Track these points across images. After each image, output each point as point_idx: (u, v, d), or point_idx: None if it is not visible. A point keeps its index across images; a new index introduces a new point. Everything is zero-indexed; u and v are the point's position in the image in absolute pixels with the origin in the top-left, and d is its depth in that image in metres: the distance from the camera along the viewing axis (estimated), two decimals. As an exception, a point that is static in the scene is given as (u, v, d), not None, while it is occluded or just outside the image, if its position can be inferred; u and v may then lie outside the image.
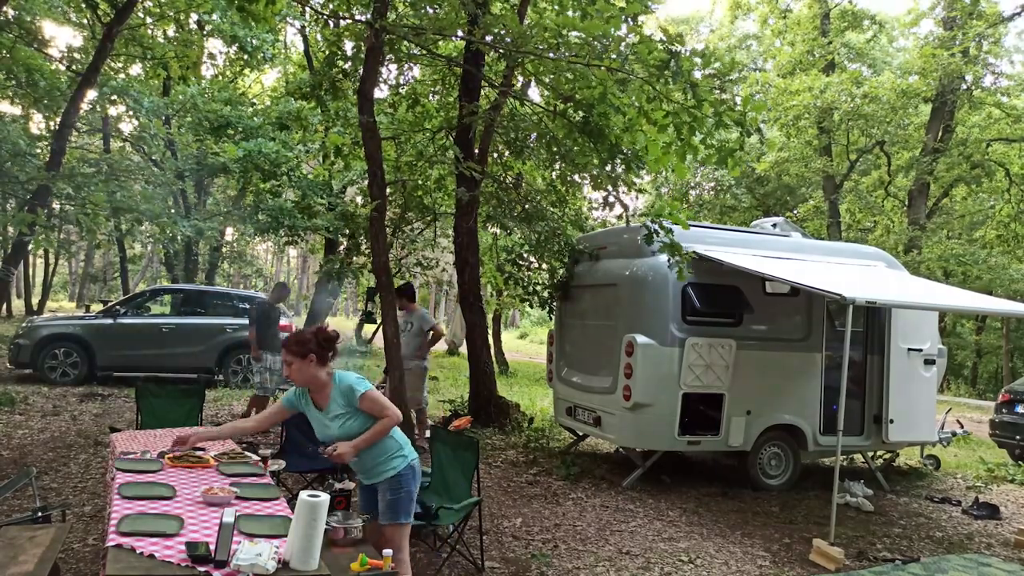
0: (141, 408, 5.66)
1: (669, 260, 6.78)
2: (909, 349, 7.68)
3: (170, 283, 21.07)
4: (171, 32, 17.92)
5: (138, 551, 2.66)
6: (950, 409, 11.22)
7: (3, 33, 13.59)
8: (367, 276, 12.17)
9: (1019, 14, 20.17)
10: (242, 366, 11.47)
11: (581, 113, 7.03)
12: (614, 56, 6.50)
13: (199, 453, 4.14)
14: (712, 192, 26.72)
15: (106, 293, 30.21)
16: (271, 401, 8.18)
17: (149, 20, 16.49)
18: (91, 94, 15.85)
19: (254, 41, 19.83)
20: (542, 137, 8.62)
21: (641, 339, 6.74)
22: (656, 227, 6.88)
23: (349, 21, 7.90)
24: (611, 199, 8.13)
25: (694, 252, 6.87)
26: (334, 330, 3.55)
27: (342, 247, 19.40)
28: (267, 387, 8.43)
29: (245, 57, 20.95)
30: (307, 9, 11.33)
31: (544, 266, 9.78)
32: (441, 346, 23.52)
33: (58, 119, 14.37)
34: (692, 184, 26.86)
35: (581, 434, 8.40)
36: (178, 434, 3.83)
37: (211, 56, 21.62)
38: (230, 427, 3.96)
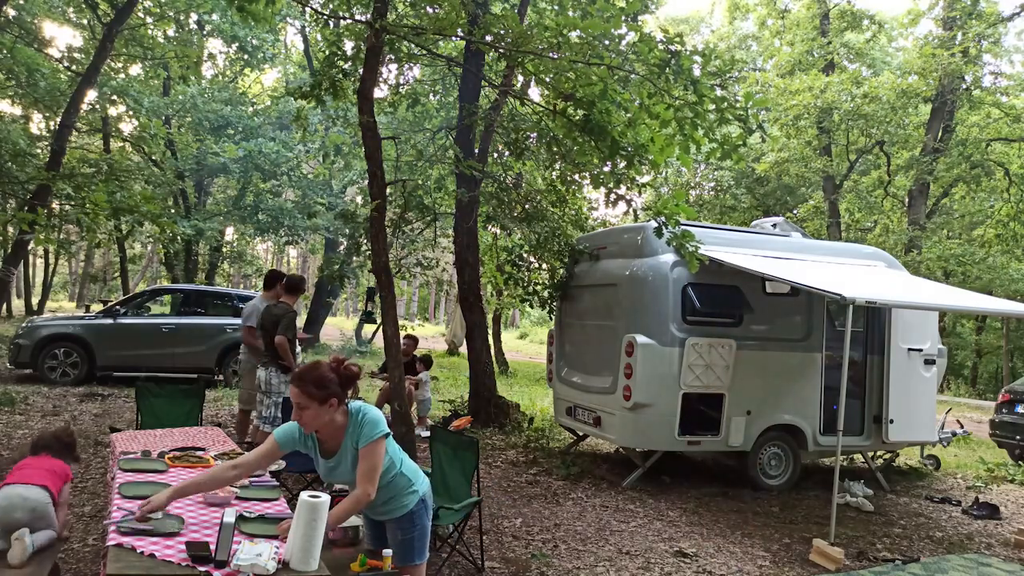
0: (141, 408, 5.66)
1: (679, 252, 6.69)
2: (909, 349, 7.68)
3: (170, 283, 21.06)
4: (171, 32, 17.92)
5: (138, 551, 2.66)
6: (950, 409, 11.22)
7: (3, 33, 13.60)
8: (367, 276, 12.17)
9: (1019, 14, 20.18)
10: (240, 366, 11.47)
11: (581, 111, 7.04)
12: (614, 55, 6.49)
13: (199, 453, 4.15)
14: (712, 192, 26.71)
15: (106, 293, 30.21)
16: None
17: (149, 20, 16.49)
18: (91, 94, 15.86)
19: (254, 41, 19.86)
20: (542, 137, 8.62)
21: (641, 339, 6.74)
22: (663, 220, 6.84)
23: (349, 21, 7.90)
24: (613, 196, 8.12)
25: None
26: (353, 365, 3.06)
27: (342, 247, 19.46)
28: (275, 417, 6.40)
29: (245, 57, 20.97)
30: (307, 9, 11.32)
31: (544, 266, 9.79)
32: (441, 346, 23.54)
33: (58, 119, 14.37)
34: (692, 184, 26.86)
35: (581, 434, 8.40)
36: (150, 502, 2.89)
37: (211, 56, 21.66)
38: (208, 477, 3.03)
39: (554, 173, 10.14)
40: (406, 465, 3.15)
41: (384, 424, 2.96)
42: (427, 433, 6.68)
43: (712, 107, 6.32)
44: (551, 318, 9.37)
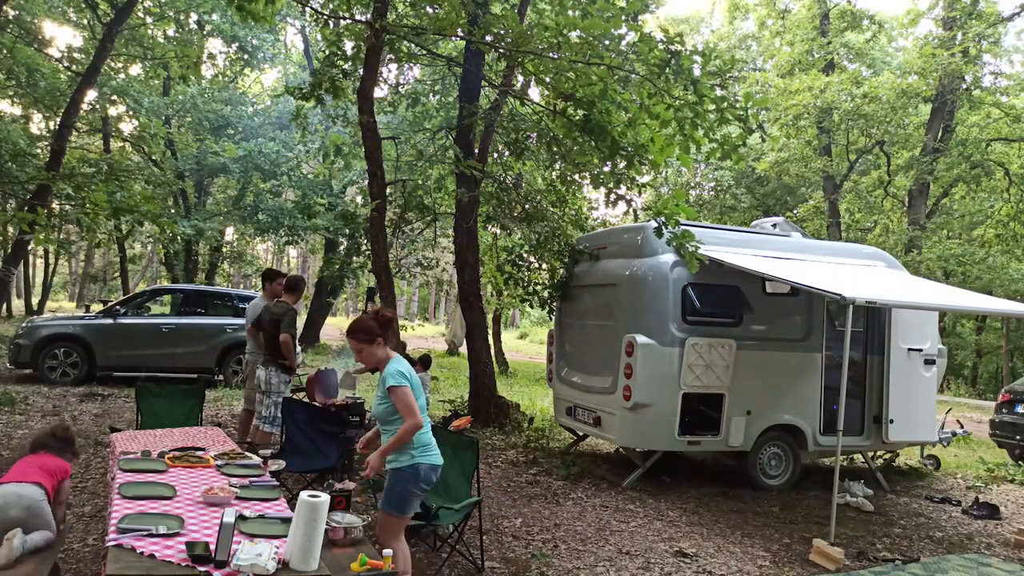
0: (141, 408, 5.66)
1: (679, 252, 6.70)
2: (909, 349, 7.68)
3: (170, 283, 21.06)
4: (171, 32, 17.92)
5: (138, 551, 2.66)
6: (950, 409, 11.22)
7: (3, 33, 13.60)
8: (367, 276, 12.17)
9: (1019, 14, 20.17)
10: (242, 366, 11.48)
11: (582, 111, 7.05)
12: (614, 55, 6.50)
13: (199, 453, 4.15)
14: (712, 192, 26.72)
15: (106, 293, 30.21)
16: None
17: (149, 20, 16.49)
18: (91, 94, 15.86)
19: (254, 41, 19.88)
20: (542, 137, 8.63)
21: (641, 339, 6.74)
22: (663, 220, 6.84)
23: (349, 21, 7.90)
24: (613, 196, 8.13)
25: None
26: (387, 310, 3.92)
27: (342, 247, 19.47)
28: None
29: (245, 57, 20.98)
30: (307, 9, 11.32)
31: (544, 266, 9.79)
32: (441, 346, 23.54)
33: (58, 119, 14.37)
34: (692, 184, 26.87)
35: (581, 434, 8.40)
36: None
37: (211, 56, 21.65)
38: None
39: (554, 173, 10.15)
40: (422, 431, 3.68)
41: (401, 378, 3.57)
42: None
43: (712, 107, 6.33)
44: (551, 318, 9.37)
